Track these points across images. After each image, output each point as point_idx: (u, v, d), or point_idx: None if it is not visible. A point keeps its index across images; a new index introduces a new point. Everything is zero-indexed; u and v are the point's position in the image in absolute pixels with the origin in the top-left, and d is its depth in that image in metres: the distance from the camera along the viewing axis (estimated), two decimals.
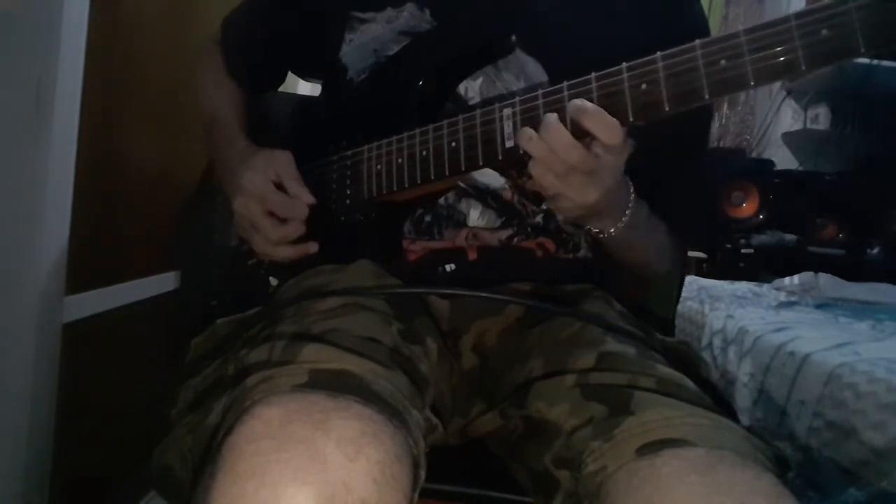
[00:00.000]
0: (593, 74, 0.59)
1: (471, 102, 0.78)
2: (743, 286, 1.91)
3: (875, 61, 1.91)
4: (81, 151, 1.05)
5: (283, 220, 0.74)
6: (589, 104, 0.58)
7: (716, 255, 2.21)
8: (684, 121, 0.58)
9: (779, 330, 1.39)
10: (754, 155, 2.62)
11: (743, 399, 1.36)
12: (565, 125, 0.58)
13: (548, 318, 0.71)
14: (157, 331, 1.29)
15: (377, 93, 0.79)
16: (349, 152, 0.78)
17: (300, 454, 0.42)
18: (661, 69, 0.56)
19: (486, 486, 0.70)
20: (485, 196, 0.78)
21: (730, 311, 1.60)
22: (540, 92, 0.62)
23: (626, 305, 0.76)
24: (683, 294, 1.23)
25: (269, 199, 0.73)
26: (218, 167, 0.85)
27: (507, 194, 0.78)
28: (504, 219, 0.79)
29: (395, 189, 0.73)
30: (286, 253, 0.75)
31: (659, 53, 0.56)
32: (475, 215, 0.78)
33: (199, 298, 0.90)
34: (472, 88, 0.78)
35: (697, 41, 0.55)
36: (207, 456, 0.48)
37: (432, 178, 0.69)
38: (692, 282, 1.93)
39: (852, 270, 2.00)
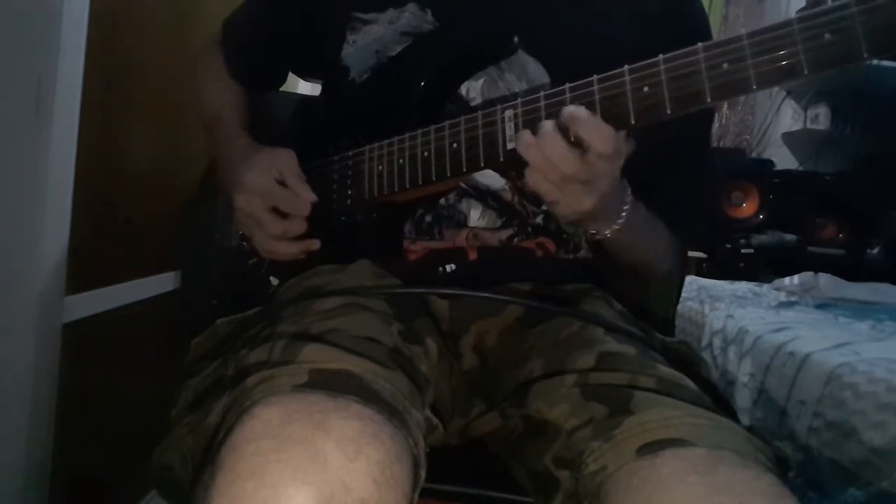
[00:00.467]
0: (595, 76, 0.59)
1: (472, 103, 0.78)
2: (743, 286, 1.91)
3: (875, 61, 1.91)
4: (81, 151, 1.04)
5: (286, 216, 0.74)
6: (582, 111, 0.57)
7: (716, 255, 2.21)
8: (685, 122, 0.57)
9: (779, 330, 1.39)
10: (754, 155, 2.62)
11: (743, 399, 1.36)
12: (563, 132, 0.58)
13: (548, 318, 0.71)
14: (157, 331, 1.29)
15: (379, 93, 0.79)
16: (350, 152, 0.78)
17: (300, 454, 0.42)
18: (664, 72, 0.55)
19: (486, 486, 0.70)
20: (485, 196, 0.78)
21: (730, 311, 1.61)
22: (542, 94, 0.62)
23: (626, 305, 0.76)
24: (683, 294, 1.23)
25: (273, 194, 0.73)
26: (219, 166, 0.85)
27: (508, 195, 0.78)
28: (504, 219, 0.79)
29: (395, 189, 0.73)
30: (288, 249, 0.75)
31: (661, 56, 0.56)
32: (476, 215, 0.78)
33: (199, 298, 0.90)
34: (473, 89, 0.78)
35: (700, 44, 0.54)
36: (207, 456, 0.48)
37: (433, 178, 0.69)
38: (692, 282, 1.93)
39: (852, 270, 2.01)
